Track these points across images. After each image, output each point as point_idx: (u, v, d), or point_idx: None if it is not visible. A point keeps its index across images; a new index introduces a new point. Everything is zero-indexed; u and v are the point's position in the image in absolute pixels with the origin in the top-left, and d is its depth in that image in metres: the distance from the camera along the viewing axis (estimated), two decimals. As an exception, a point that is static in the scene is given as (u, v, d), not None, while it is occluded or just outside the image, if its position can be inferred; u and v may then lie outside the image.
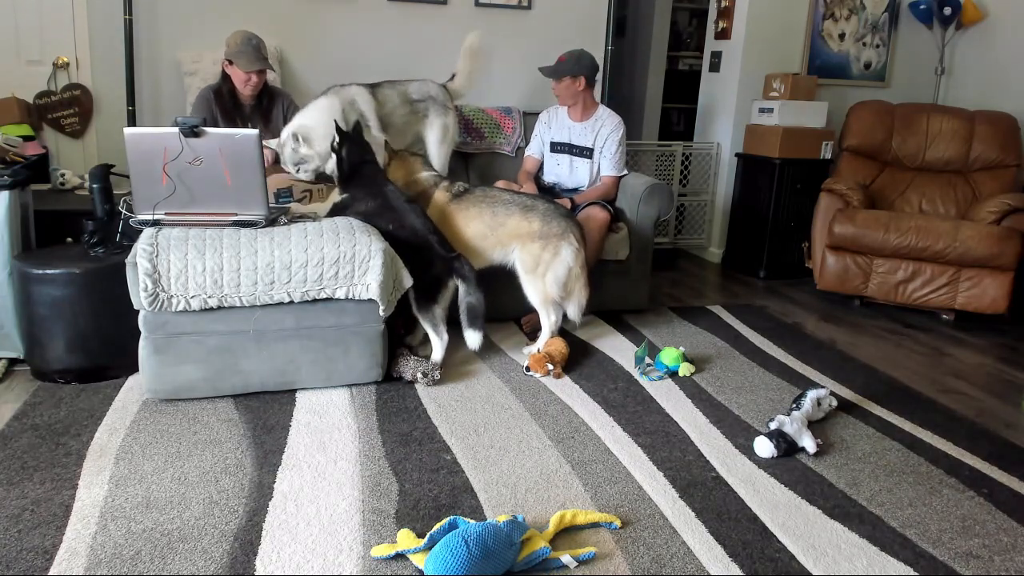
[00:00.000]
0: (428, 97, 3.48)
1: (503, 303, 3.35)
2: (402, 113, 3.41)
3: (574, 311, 3.09)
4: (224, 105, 3.26)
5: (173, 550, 1.73)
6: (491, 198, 3.05)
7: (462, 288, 2.82)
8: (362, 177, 2.91)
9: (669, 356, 2.93)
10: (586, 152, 3.63)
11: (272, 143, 3.09)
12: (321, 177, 3.21)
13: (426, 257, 2.77)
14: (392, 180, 3.04)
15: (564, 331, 3.29)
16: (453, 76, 3.64)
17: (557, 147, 3.69)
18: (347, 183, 2.93)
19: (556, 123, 3.71)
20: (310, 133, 3.05)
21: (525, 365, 2.88)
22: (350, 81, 3.34)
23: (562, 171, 3.71)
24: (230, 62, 3.22)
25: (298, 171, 3.08)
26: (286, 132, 3.08)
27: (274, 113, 3.38)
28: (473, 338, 2.82)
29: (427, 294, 2.80)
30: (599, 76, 4.10)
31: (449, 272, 2.81)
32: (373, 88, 3.35)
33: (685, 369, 2.91)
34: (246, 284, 2.44)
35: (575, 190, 3.68)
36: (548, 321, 3.05)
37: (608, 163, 3.62)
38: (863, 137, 4.48)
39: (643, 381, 2.85)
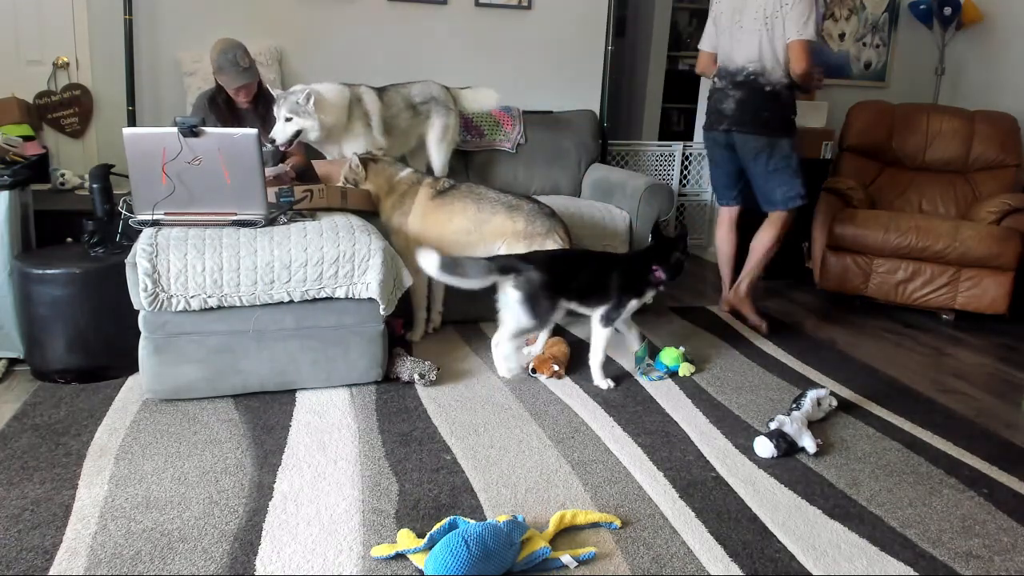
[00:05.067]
0: (431, 99, 3.49)
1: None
2: (406, 117, 3.42)
3: None
4: (220, 112, 3.24)
5: (173, 550, 1.73)
6: (476, 195, 3.06)
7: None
8: None
9: (669, 356, 2.93)
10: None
11: (276, 92, 3.04)
12: (302, 176, 3.22)
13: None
14: (376, 186, 3.04)
15: (564, 331, 3.29)
16: (466, 88, 3.66)
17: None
18: None
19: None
20: (323, 99, 3.03)
21: (531, 367, 2.87)
22: (356, 83, 3.34)
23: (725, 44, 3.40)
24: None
25: (289, 120, 2.99)
26: (298, 87, 3.02)
27: (271, 116, 3.37)
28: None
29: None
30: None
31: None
32: (380, 91, 3.35)
33: (685, 369, 2.91)
34: (246, 284, 2.44)
35: (743, 70, 3.34)
36: None
37: (791, 24, 3.18)
38: (863, 137, 4.48)
39: (643, 381, 2.85)
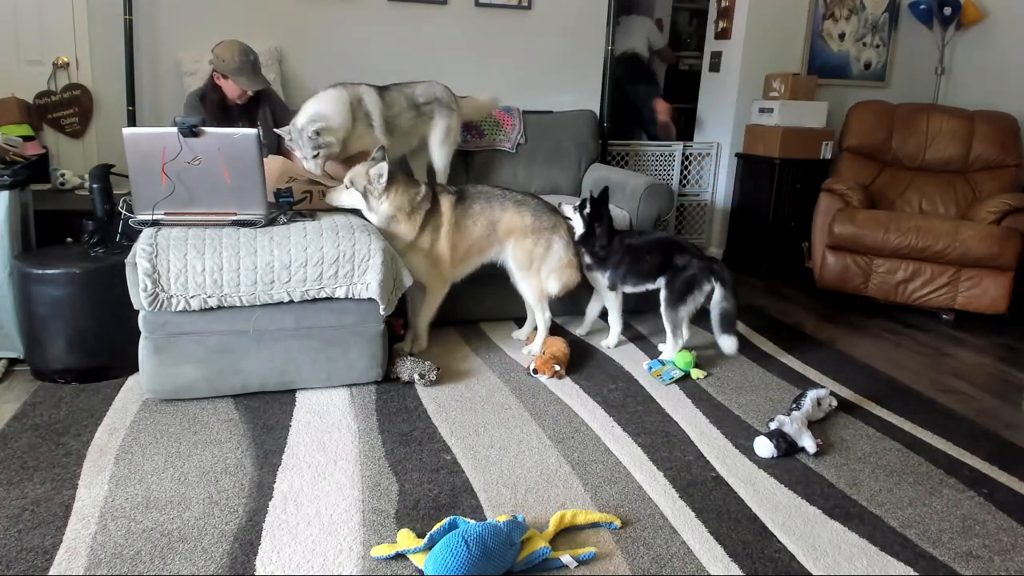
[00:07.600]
0: (434, 99, 3.48)
1: (503, 302, 3.35)
2: (408, 117, 3.40)
3: (556, 288, 3.05)
4: (212, 111, 3.22)
5: (173, 550, 1.73)
6: (486, 194, 3.06)
7: (719, 292, 2.95)
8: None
9: (681, 359, 2.93)
10: None
11: (281, 131, 3.04)
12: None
13: (676, 257, 3.01)
14: (396, 207, 2.84)
15: (564, 331, 3.29)
16: (467, 97, 3.67)
17: None
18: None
19: None
20: (328, 120, 3.02)
21: (532, 368, 2.85)
22: (358, 81, 3.33)
23: None
24: (224, 76, 3.16)
25: (316, 156, 2.99)
26: (302, 119, 3.00)
27: (259, 114, 3.35)
28: (728, 343, 2.96)
29: (677, 295, 2.99)
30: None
31: (707, 275, 2.97)
32: (381, 90, 3.33)
33: (697, 373, 2.91)
34: (246, 284, 2.44)
35: None
36: (543, 318, 3.05)
37: None
38: (863, 137, 4.48)
39: (656, 382, 2.84)
